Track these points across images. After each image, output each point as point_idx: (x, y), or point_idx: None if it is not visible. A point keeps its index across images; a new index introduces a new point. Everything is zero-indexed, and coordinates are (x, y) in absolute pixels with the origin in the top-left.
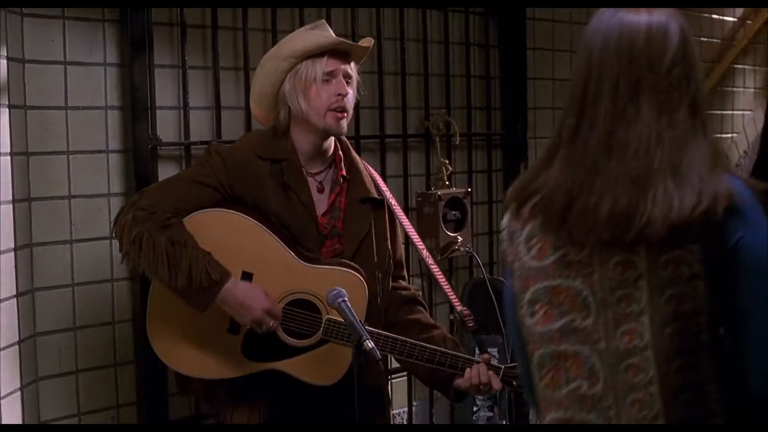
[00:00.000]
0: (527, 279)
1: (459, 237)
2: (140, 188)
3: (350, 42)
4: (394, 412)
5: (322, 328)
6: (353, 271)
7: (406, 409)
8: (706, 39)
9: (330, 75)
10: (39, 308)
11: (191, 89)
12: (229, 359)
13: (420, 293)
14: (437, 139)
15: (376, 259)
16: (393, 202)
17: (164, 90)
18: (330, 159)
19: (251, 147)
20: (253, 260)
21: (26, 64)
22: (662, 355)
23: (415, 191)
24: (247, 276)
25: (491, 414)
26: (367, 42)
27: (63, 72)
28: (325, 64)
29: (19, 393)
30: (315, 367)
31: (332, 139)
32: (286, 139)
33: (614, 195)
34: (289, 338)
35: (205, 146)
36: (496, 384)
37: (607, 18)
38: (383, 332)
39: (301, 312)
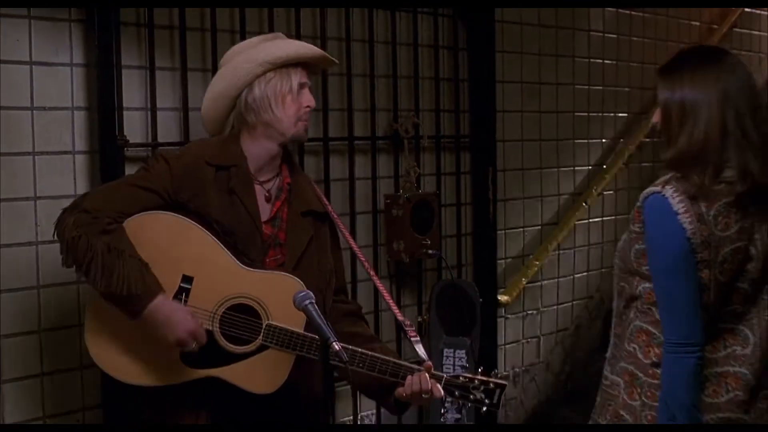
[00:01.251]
0: None
1: (427, 239)
2: None
3: (332, 58)
4: (363, 414)
5: (262, 334)
6: (295, 278)
7: (374, 411)
8: (673, 43)
9: (301, 86)
10: (3, 310)
11: (158, 90)
12: (168, 366)
13: (361, 308)
14: (406, 142)
15: (317, 271)
16: (334, 215)
17: (131, 91)
18: (278, 168)
19: (200, 153)
20: (193, 263)
21: None
22: None
23: (383, 194)
24: (187, 279)
25: (459, 416)
26: (335, 62)
27: (29, 72)
28: (300, 76)
29: None
30: (255, 375)
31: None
32: (236, 145)
33: None
34: (228, 344)
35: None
36: (437, 392)
37: None
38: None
39: (242, 317)
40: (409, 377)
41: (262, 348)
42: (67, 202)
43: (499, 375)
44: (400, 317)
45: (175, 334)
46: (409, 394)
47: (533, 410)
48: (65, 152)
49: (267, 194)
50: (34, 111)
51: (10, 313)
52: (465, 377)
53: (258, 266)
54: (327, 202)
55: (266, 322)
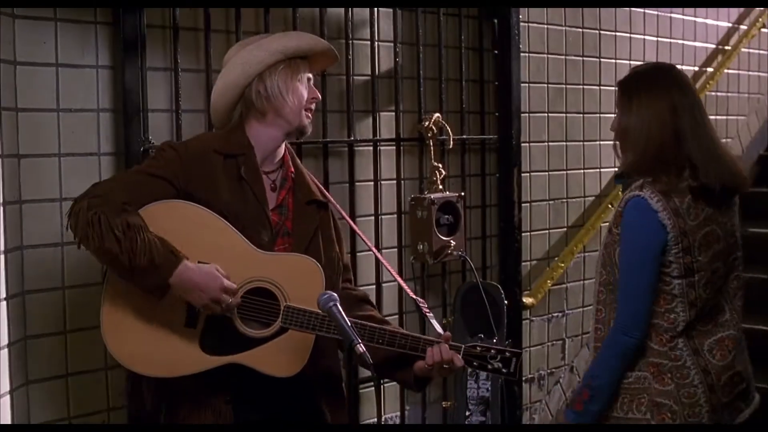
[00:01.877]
0: None
1: (452, 241)
2: None
3: (337, 54)
4: (387, 416)
5: (281, 316)
6: (311, 259)
7: (398, 413)
8: (700, 44)
9: (309, 79)
10: (30, 311)
11: (183, 92)
12: (187, 355)
13: (368, 295)
14: (430, 143)
15: (324, 259)
16: (334, 204)
17: (156, 93)
18: (280, 160)
19: (207, 142)
20: (208, 250)
21: (18, 66)
22: None
23: (408, 195)
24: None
25: (483, 418)
26: (337, 59)
27: (55, 74)
28: (309, 67)
29: (8, 396)
30: (275, 358)
31: (284, 141)
32: (242, 135)
33: None
34: (247, 329)
35: None
36: (458, 361)
37: None
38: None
39: (260, 300)
40: (429, 349)
41: (281, 331)
42: None
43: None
44: (411, 295)
45: (208, 293)
46: (431, 365)
47: (558, 413)
48: (91, 154)
49: (272, 184)
50: (60, 113)
51: (36, 313)
52: (482, 347)
53: (271, 249)
54: (326, 192)
55: (284, 303)
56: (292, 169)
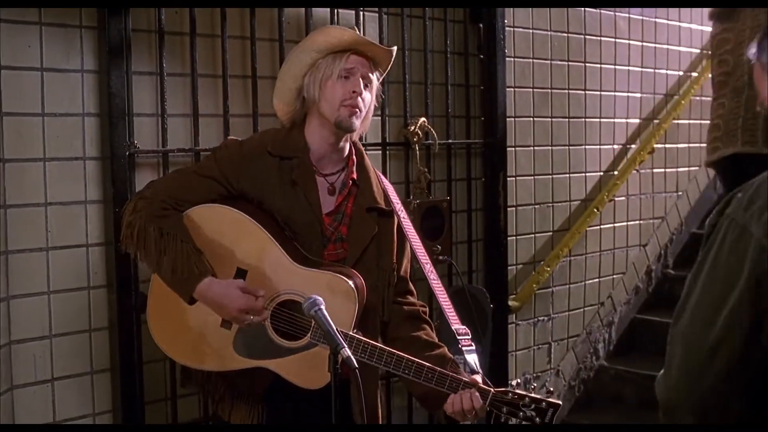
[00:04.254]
0: None
1: (438, 245)
2: (117, 196)
3: (369, 40)
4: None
5: (310, 332)
6: (346, 279)
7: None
8: (685, 49)
9: (349, 72)
10: (14, 316)
11: (169, 96)
12: (220, 353)
13: (426, 309)
14: (416, 147)
15: (378, 269)
16: (403, 215)
17: (142, 97)
18: (344, 162)
19: (263, 143)
20: (248, 258)
21: (2, 70)
22: None
23: None
24: (241, 273)
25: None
26: (389, 50)
27: (40, 78)
28: (345, 62)
29: None
30: (302, 370)
31: (347, 141)
32: (300, 136)
33: None
34: (278, 338)
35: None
36: (482, 413)
37: None
38: (370, 341)
39: (292, 314)
40: (452, 396)
41: (310, 345)
42: (77, 209)
43: (549, 393)
44: (454, 325)
45: (229, 313)
46: (452, 412)
47: None
48: (76, 158)
49: (330, 187)
50: (45, 117)
51: (20, 318)
52: (515, 394)
53: (313, 262)
54: (397, 200)
55: None
56: (355, 175)
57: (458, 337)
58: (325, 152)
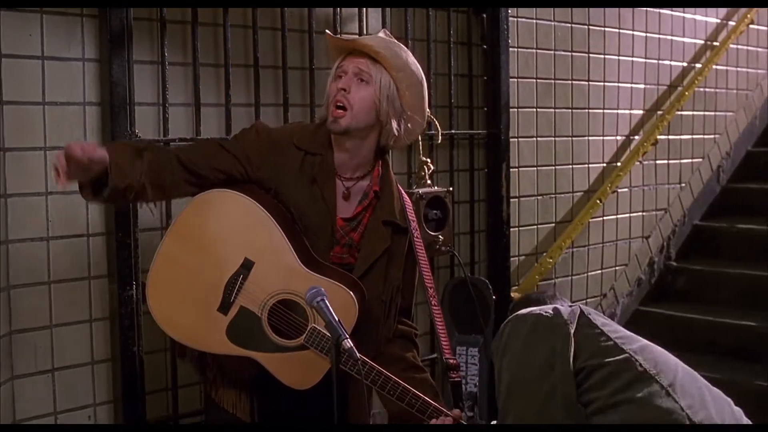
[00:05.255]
0: None
1: (440, 236)
2: None
3: (354, 38)
4: (374, 411)
5: (305, 335)
6: (349, 291)
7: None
8: (689, 40)
9: (342, 71)
10: (15, 306)
11: (170, 85)
12: (213, 336)
13: (417, 332)
14: (419, 138)
15: (385, 283)
16: (417, 234)
17: (143, 86)
18: (365, 171)
19: (292, 134)
20: (258, 250)
21: (3, 59)
22: None
23: None
24: (247, 264)
25: (471, 414)
26: (375, 38)
27: (41, 67)
28: (339, 62)
29: None
30: (290, 369)
31: (370, 150)
32: (326, 135)
33: None
34: (272, 333)
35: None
36: None
37: None
38: (365, 358)
39: (290, 314)
40: (434, 420)
41: (302, 347)
42: (78, 198)
43: None
44: (446, 356)
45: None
46: None
47: None
48: None
49: (345, 192)
50: (46, 106)
51: (21, 308)
52: None
53: (320, 267)
54: (413, 218)
55: (311, 324)
56: (377, 188)
57: (449, 368)
58: (342, 156)
